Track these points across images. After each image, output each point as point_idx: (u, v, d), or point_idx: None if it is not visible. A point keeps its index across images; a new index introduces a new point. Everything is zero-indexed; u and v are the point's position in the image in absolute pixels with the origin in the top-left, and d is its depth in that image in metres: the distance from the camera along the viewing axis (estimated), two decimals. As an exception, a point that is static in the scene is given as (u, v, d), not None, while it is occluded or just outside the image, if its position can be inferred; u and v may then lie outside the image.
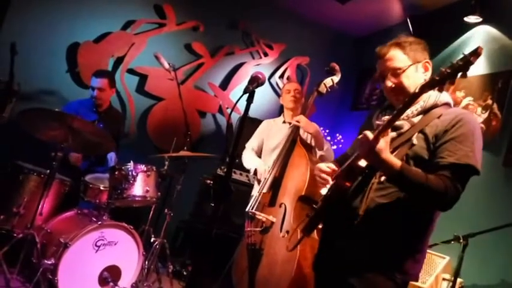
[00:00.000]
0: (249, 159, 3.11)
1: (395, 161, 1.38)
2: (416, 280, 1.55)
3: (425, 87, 1.31)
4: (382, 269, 1.47)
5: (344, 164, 1.58)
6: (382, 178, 1.49)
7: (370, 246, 1.47)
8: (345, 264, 1.51)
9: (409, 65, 1.53)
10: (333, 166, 1.64)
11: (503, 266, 2.64)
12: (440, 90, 1.38)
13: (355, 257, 1.49)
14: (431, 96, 1.51)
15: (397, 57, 1.56)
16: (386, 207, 1.47)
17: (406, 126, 1.51)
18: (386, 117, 1.46)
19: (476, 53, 1.22)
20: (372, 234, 1.47)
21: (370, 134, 1.37)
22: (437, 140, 1.44)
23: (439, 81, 1.27)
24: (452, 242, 2.47)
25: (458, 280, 2.55)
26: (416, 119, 1.51)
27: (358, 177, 1.53)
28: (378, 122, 1.58)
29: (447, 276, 2.72)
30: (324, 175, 1.63)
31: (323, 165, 1.66)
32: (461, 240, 2.45)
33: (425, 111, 1.52)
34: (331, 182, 1.61)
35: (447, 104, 1.54)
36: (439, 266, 2.76)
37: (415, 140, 1.45)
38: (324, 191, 1.63)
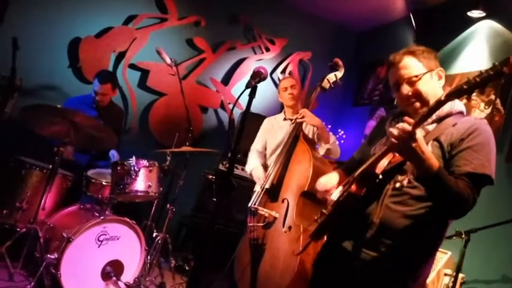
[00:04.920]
0: (251, 168, 3.09)
1: (435, 160, 1.33)
2: (424, 285, 1.53)
3: (452, 95, 1.23)
4: (396, 277, 1.47)
5: (354, 169, 1.55)
6: (397, 185, 1.48)
7: (385, 254, 1.46)
8: (356, 270, 1.50)
9: (424, 72, 1.51)
10: (328, 185, 1.64)
11: (504, 262, 2.64)
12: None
13: (369, 264, 1.48)
14: (446, 105, 1.46)
15: (412, 64, 1.52)
16: (401, 214, 1.46)
17: (421, 134, 1.47)
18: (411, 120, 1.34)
19: (508, 63, 1.13)
20: (387, 242, 1.46)
21: (407, 125, 1.28)
22: (453, 149, 1.42)
23: (467, 90, 1.19)
24: (454, 238, 2.47)
25: (460, 275, 2.56)
26: (430, 127, 1.50)
27: (372, 183, 1.49)
28: (391, 129, 1.49)
29: (449, 271, 2.72)
30: (324, 195, 1.63)
31: (320, 185, 1.65)
32: (463, 236, 2.45)
33: (439, 120, 1.50)
34: (339, 189, 1.60)
35: (461, 113, 1.52)
36: (441, 261, 2.77)
37: (430, 148, 1.42)
38: (334, 195, 1.61)
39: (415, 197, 1.45)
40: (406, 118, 1.32)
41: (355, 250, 1.51)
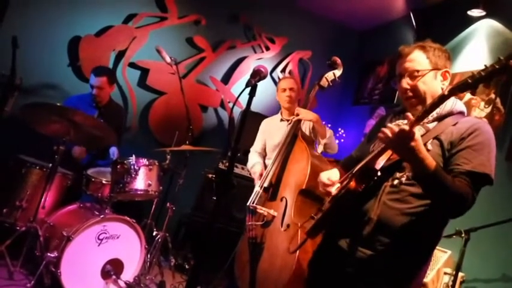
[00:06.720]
0: (252, 164, 3.11)
1: (431, 159, 1.32)
2: (420, 285, 1.53)
3: (456, 90, 1.20)
4: (391, 276, 1.46)
5: (353, 167, 1.55)
6: (395, 181, 1.47)
7: (381, 252, 1.46)
8: (351, 268, 1.50)
9: (428, 69, 1.50)
10: (333, 178, 1.62)
11: (504, 260, 2.65)
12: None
13: (364, 263, 1.47)
14: (448, 104, 1.48)
15: (418, 59, 1.52)
16: (399, 212, 1.45)
17: (420, 131, 1.45)
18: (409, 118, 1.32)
19: None
20: (383, 240, 1.46)
21: (405, 126, 1.27)
22: (453, 147, 1.42)
23: (471, 84, 1.16)
24: (454, 236, 2.47)
25: (460, 274, 2.56)
26: (431, 125, 1.50)
27: (371, 180, 1.48)
28: (389, 125, 1.44)
29: (449, 270, 2.72)
30: (327, 188, 1.61)
31: (324, 178, 1.63)
32: (462, 235, 2.45)
33: (440, 118, 1.49)
34: (337, 186, 1.58)
35: (461, 113, 1.52)
36: (441, 260, 2.77)
37: (429, 146, 1.42)
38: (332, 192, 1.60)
39: (413, 194, 1.45)
40: (408, 114, 1.31)
41: (350, 249, 1.51)
